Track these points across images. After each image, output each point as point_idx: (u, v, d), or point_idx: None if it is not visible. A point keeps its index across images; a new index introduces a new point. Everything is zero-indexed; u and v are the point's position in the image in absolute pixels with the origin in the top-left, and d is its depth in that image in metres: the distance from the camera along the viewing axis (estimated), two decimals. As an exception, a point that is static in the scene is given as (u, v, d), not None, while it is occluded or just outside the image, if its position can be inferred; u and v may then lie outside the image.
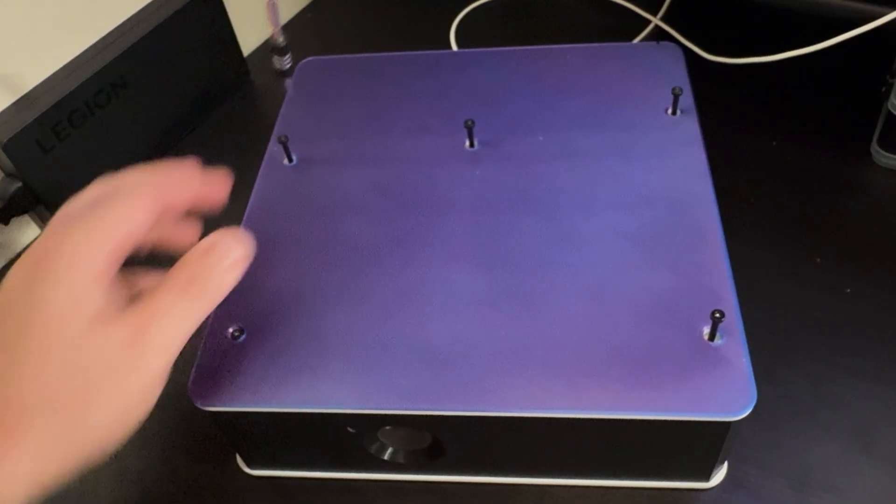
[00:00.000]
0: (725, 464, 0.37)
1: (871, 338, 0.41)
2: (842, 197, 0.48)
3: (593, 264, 0.36)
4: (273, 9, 0.39)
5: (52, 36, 0.50)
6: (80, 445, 0.30)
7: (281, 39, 0.40)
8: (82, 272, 0.30)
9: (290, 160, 0.43)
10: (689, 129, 0.42)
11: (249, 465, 0.39)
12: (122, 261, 0.32)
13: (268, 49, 0.65)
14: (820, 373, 0.39)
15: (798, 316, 0.42)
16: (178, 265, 0.32)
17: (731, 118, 0.52)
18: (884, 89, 0.49)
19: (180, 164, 0.35)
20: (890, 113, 0.46)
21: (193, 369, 0.34)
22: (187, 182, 0.35)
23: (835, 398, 0.39)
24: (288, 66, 0.41)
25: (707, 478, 0.36)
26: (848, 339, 0.41)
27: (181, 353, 0.42)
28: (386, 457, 0.37)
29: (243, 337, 0.35)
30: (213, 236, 0.33)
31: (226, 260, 0.32)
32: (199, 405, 0.34)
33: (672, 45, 0.47)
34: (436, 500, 0.37)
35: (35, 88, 0.49)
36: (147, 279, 0.34)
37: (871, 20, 0.44)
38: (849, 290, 0.43)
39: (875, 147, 0.49)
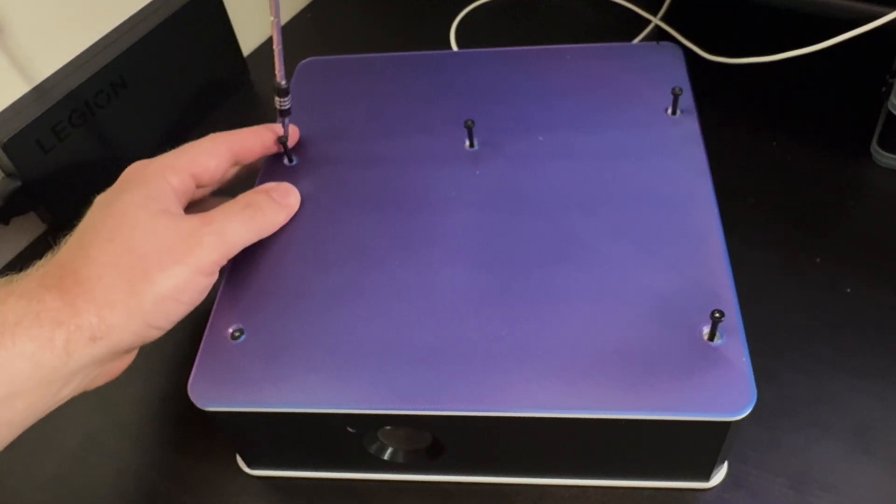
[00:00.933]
0: (725, 464, 0.37)
1: (871, 338, 0.41)
2: (842, 197, 0.48)
3: (593, 264, 0.36)
4: (279, 55, 0.39)
5: (51, 36, 0.50)
6: (137, 312, 0.33)
7: (284, 82, 0.40)
8: (161, 181, 0.36)
9: (290, 160, 0.43)
10: (689, 128, 0.42)
11: (250, 466, 0.39)
12: (194, 188, 0.38)
13: (268, 52, 0.66)
14: (820, 372, 0.39)
15: (798, 316, 0.42)
16: (243, 193, 0.39)
17: (731, 118, 0.53)
18: (884, 89, 0.49)
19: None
20: (890, 113, 0.46)
21: (193, 369, 0.34)
22: (257, 134, 0.41)
23: (835, 398, 0.39)
24: (287, 106, 0.41)
25: (707, 478, 0.36)
26: (848, 339, 0.41)
27: (181, 354, 0.42)
28: (386, 457, 0.37)
29: (243, 337, 0.35)
30: (276, 182, 0.40)
31: (283, 200, 0.39)
32: (199, 405, 0.34)
33: (672, 45, 0.47)
34: (436, 500, 0.37)
35: (35, 88, 0.49)
36: (212, 202, 0.39)
37: (871, 20, 0.44)
38: (849, 290, 0.43)
39: (875, 147, 0.49)
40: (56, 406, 0.33)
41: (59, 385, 0.32)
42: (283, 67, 0.40)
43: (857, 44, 0.45)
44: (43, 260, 0.34)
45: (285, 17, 0.68)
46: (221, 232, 0.35)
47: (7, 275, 0.33)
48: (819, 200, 0.47)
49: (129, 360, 0.36)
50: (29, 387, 0.31)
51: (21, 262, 0.51)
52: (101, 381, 0.35)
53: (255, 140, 0.41)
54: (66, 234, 0.35)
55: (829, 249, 0.45)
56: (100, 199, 0.36)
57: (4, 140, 0.46)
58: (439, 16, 0.65)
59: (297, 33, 0.67)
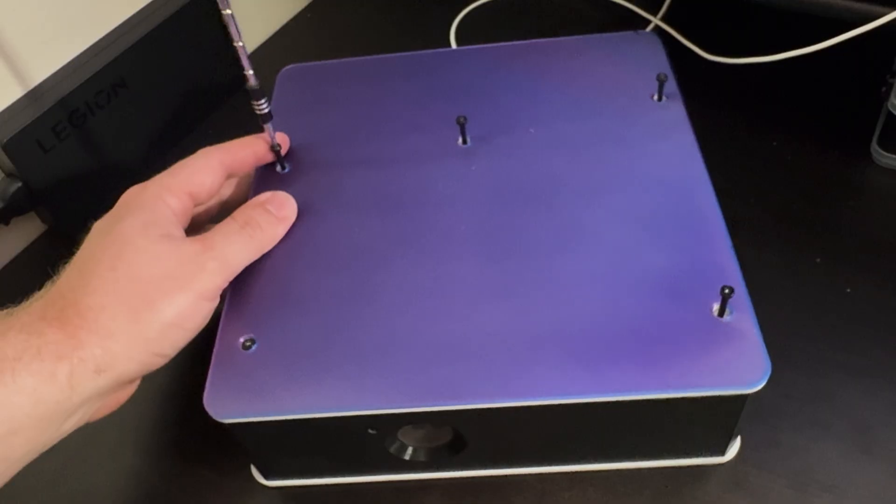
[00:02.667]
0: (738, 438, 0.37)
1: (871, 338, 0.41)
2: (842, 197, 0.48)
3: (596, 250, 0.36)
4: (243, 52, 0.37)
5: (52, 36, 0.50)
6: (142, 341, 0.33)
7: (254, 83, 0.38)
8: (160, 204, 0.36)
9: (283, 168, 0.43)
10: (675, 113, 0.42)
11: (266, 477, 0.39)
12: (192, 207, 0.38)
13: (269, 52, 0.66)
14: (820, 372, 0.39)
15: (798, 316, 0.42)
16: (239, 209, 0.38)
17: (731, 118, 0.52)
18: (884, 89, 0.49)
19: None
20: (890, 113, 0.46)
21: (207, 383, 0.34)
22: (248, 145, 0.41)
23: (835, 397, 0.39)
24: (266, 109, 0.40)
25: (723, 452, 0.36)
26: (848, 339, 0.41)
27: (182, 353, 0.42)
28: (407, 456, 0.36)
29: (255, 346, 0.35)
30: (271, 192, 0.40)
31: (279, 212, 0.39)
32: (217, 418, 0.33)
33: (651, 33, 0.48)
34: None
35: (35, 88, 0.49)
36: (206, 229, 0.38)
37: (871, 20, 0.44)
38: (849, 290, 0.43)
39: (875, 147, 0.49)
40: (57, 440, 0.33)
41: (60, 419, 0.32)
42: (249, 65, 0.38)
43: (857, 44, 0.45)
44: (42, 290, 0.34)
45: (285, 17, 0.68)
46: (223, 256, 0.35)
47: (7, 307, 0.33)
48: (819, 200, 0.47)
49: (132, 389, 0.36)
50: (29, 423, 0.31)
51: (21, 263, 0.52)
52: (104, 413, 0.35)
53: (246, 151, 0.41)
54: (65, 263, 0.34)
55: (829, 249, 0.44)
56: (98, 226, 0.36)
57: (4, 140, 0.46)
58: (439, 16, 0.65)
59: (297, 33, 0.67)
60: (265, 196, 0.39)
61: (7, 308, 0.33)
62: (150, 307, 0.32)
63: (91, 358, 0.32)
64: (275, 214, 0.39)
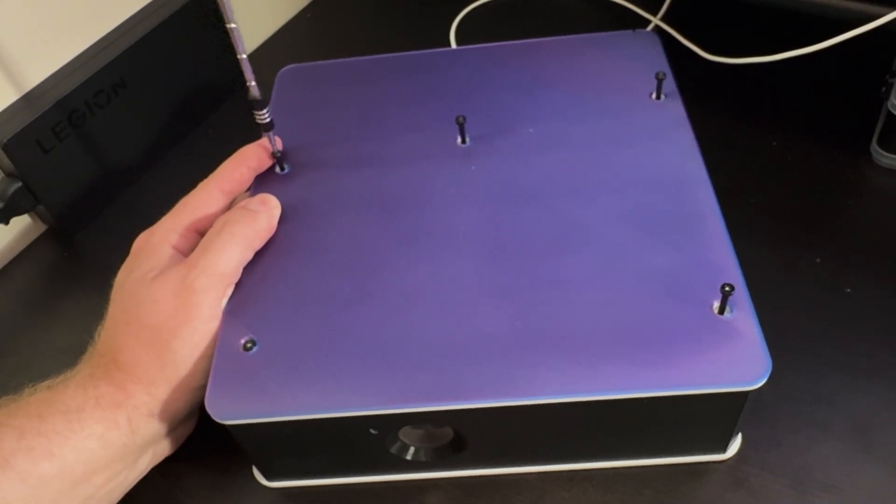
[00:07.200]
0: (739, 435, 0.37)
1: (871, 338, 0.41)
2: (842, 197, 0.48)
3: (597, 249, 0.36)
4: (246, 64, 0.37)
5: (52, 36, 0.50)
6: (176, 381, 0.35)
7: (257, 94, 0.39)
8: (164, 248, 0.37)
9: (282, 169, 0.43)
10: (674, 111, 0.42)
11: (268, 477, 0.39)
12: (199, 238, 0.38)
13: (268, 53, 0.66)
14: (820, 372, 0.39)
15: (798, 316, 0.42)
16: (218, 218, 0.38)
17: (731, 118, 0.52)
18: (884, 89, 0.49)
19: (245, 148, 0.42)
20: (890, 113, 0.46)
21: (209, 385, 0.34)
22: (241, 162, 0.41)
23: (835, 397, 0.39)
24: (268, 119, 0.40)
25: (724, 449, 0.36)
26: (848, 339, 0.41)
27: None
28: (408, 456, 0.36)
29: (256, 348, 0.35)
30: (248, 198, 0.40)
31: (260, 206, 0.39)
32: (218, 420, 0.33)
33: (649, 32, 0.48)
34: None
35: (35, 88, 0.49)
36: None
37: (871, 20, 0.44)
38: (849, 290, 0.43)
39: (875, 147, 0.49)
40: (138, 478, 0.37)
41: (132, 458, 0.35)
42: (252, 77, 0.38)
43: (857, 44, 0.45)
44: (88, 352, 0.37)
45: (285, 17, 0.68)
46: (209, 268, 0.36)
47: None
48: (819, 200, 0.47)
49: (193, 421, 0.38)
50: (103, 464, 0.34)
51: (21, 263, 0.52)
52: (176, 446, 0.38)
53: (241, 170, 0.41)
54: (99, 324, 0.37)
55: (829, 249, 0.44)
56: (116, 281, 0.37)
57: (4, 140, 0.46)
58: (439, 16, 0.65)
59: (297, 33, 0.67)
60: (244, 201, 0.40)
61: (63, 373, 0.36)
62: (168, 349, 0.34)
63: (143, 405, 0.34)
64: (254, 209, 0.39)
